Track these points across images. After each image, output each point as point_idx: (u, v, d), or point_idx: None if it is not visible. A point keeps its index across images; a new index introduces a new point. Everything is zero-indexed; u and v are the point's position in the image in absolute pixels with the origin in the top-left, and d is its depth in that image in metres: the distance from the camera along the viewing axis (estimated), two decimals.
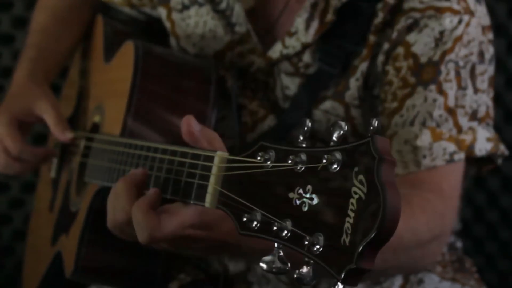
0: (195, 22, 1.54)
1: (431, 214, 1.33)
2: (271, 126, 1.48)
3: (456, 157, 1.38)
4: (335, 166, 0.79)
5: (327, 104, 1.44)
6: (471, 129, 1.40)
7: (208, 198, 0.98)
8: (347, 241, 0.76)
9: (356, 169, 0.77)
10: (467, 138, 1.39)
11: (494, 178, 2.01)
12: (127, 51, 1.45)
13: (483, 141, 1.40)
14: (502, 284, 2.01)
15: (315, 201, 0.81)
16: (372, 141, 0.76)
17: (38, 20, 1.71)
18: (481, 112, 1.42)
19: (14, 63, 2.02)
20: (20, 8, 2.08)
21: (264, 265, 0.87)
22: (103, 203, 1.38)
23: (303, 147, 0.85)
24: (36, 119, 1.56)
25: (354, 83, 1.42)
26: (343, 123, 0.82)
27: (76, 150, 1.57)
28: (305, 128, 0.86)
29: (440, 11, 1.39)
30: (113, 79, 1.52)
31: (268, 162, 0.88)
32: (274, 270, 0.87)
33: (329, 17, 1.42)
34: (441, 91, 1.38)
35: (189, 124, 1.07)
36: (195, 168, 1.03)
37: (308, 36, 1.44)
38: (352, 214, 0.76)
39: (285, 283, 1.52)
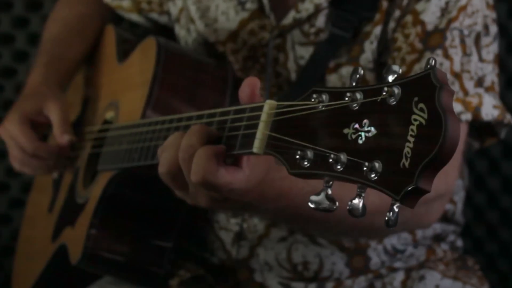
0: (206, 6, 1.57)
1: None
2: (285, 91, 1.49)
3: (463, 117, 1.41)
4: (393, 99, 0.82)
5: (343, 71, 1.47)
6: (477, 94, 1.43)
7: (257, 143, 0.99)
8: (406, 164, 0.78)
9: (416, 98, 0.80)
10: (473, 100, 1.42)
11: (494, 178, 2.03)
12: (149, 45, 1.48)
13: (490, 107, 1.44)
14: (503, 284, 2.02)
15: (373, 133, 0.83)
16: (433, 72, 0.80)
17: (50, 31, 1.76)
18: (487, 81, 1.46)
19: (14, 63, 2.06)
20: (20, 8, 2.10)
21: (312, 205, 0.89)
22: (116, 190, 1.40)
23: (358, 86, 0.88)
24: (45, 119, 1.59)
25: (368, 46, 1.46)
26: (396, 67, 0.84)
27: (84, 148, 1.59)
28: (357, 76, 0.89)
29: None
30: (130, 74, 1.55)
31: (321, 105, 0.90)
32: (321, 208, 0.88)
33: None
34: (446, 56, 1.42)
35: (254, 86, 1.06)
36: (240, 121, 1.04)
37: None
38: (412, 139, 0.79)
39: (287, 270, 1.53)
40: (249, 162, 1.07)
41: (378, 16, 1.45)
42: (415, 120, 0.79)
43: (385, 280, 1.54)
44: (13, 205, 2.13)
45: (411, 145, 0.79)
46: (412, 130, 0.79)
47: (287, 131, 0.94)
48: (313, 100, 0.91)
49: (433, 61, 0.81)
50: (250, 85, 1.05)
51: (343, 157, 0.86)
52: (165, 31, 1.68)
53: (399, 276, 1.55)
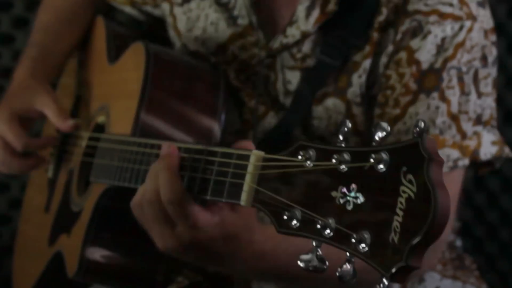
0: (196, 16, 1.54)
1: None
2: (272, 123, 1.48)
3: (460, 163, 1.38)
4: (381, 166, 0.80)
5: (329, 102, 1.44)
6: (476, 134, 1.40)
7: (244, 196, 0.97)
8: (395, 239, 0.77)
9: (404, 168, 0.78)
10: (471, 143, 1.39)
11: (494, 178, 2.02)
12: (137, 51, 1.45)
13: (488, 145, 1.41)
14: (502, 284, 2.01)
15: (361, 200, 0.82)
16: (421, 141, 0.77)
17: (41, 19, 1.72)
18: (486, 115, 1.43)
19: (14, 63, 2.02)
20: (20, 8, 2.08)
21: (301, 264, 0.87)
22: (109, 203, 1.38)
23: (346, 146, 0.86)
24: (37, 114, 1.56)
25: (356, 79, 1.43)
26: (385, 124, 0.82)
27: (77, 149, 1.57)
28: (345, 129, 0.87)
29: (443, 17, 1.39)
30: (120, 80, 1.52)
31: (308, 162, 0.89)
32: (311, 268, 0.87)
33: (331, 7, 1.43)
34: (443, 98, 1.38)
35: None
36: (228, 166, 1.03)
37: (308, 25, 1.44)
38: (401, 213, 0.77)
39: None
40: (222, 211, 1.08)
41: (368, 49, 1.41)
42: (404, 192, 0.77)
43: None
44: (13, 205, 2.12)
45: (400, 219, 0.77)
46: (401, 203, 0.77)
47: (274, 186, 0.93)
48: (300, 157, 0.89)
49: (422, 124, 0.79)
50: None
51: (332, 223, 0.84)
52: (161, 22, 1.65)
53: None
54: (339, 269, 0.83)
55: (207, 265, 1.37)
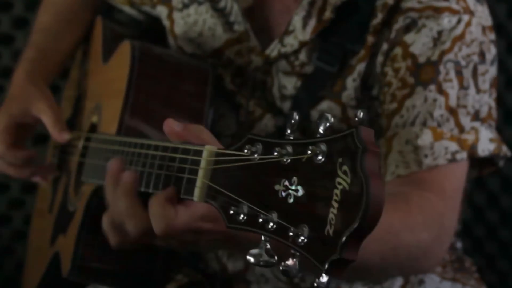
0: (194, 20, 1.54)
1: (429, 213, 1.31)
2: (269, 125, 1.48)
3: (458, 156, 1.36)
4: (320, 157, 0.79)
5: (324, 105, 1.43)
6: (474, 129, 1.39)
7: (197, 192, 0.98)
8: (330, 231, 0.75)
9: (340, 159, 0.76)
10: (469, 138, 1.38)
11: (494, 178, 2.01)
12: (124, 50, 1.45)
13: (486, 142, 1.39)
14: (502, 284, 2.01)
15: (300, 193, 0.81)
16: (356, 132, 0.76)
17: (40, 20, 1.72)
18: (484, 112, 1.41)
19: (14, 63, 2.02)
20: (20, 8, 2.09)
21: (251, 258, 0.87)
22: (99, 202, 1.38)
23: (289, 139, 0.85)
24: (35, 121, 1.57)
25: (351, 83, 1.42)
26: (328, 115, 0.81)
27: (74, 150, 1.57)
28: (292, 121, 0.86)
29: (438, 11, 1.38)
30: (110, 79, 1.52)
31: (256, 155, 0.88)
32: (261, 263, 0.86)
33: (327, 15, 1.42)
34: (441, 91, 1.37)
35: (170, 127, 1.07)
36: (185, 163, 1.03)
37: (306, 34, 1.43)
38: (336, 205, 0.76)
39: (284, 282, 1.51)
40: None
41: (363, 52, 1.41)
42: (339, 183, 0.76)
43: (384, 286, 1.52)
44: (13, 205, 2.13)
45: (335, 211, 0.76)
46: (336, 195, 0.76)
47: (224, 181, 0.93)
48: (246, 150, 0.89)
49: (360, 114, 0.77)
50: (166, 126, 1.07)
51: (274, 217, 0.83)
52: (159, 22, 1.64)
53: (398, 282, 1.52)
54: (282, 264, 0.82)
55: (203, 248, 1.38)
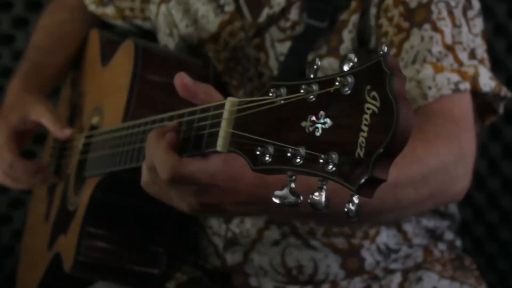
0: (186, 9, 1.57)
1: (446, 137, 1.33)
2: None
3: (462, 86, 1.38)
4: (347, 88, 0.81)
5: (324, 62, 1.45)
6: (473, 65, 1.40)
7: (220, 141, 0.98)
8: (361, 153, 0.77)
9: (368, 87, 0.78)
10: (469, 70, 1.39)
11: (494, 178, 2.02)
12: (127, 47, 1.48)
13: (487, 78, 1.41)
14: (502, 284, 2.01)
15: (328, 124, 0.82)
16: (383, 59, 0.78)
17: (33, 40, 1.77)
18: (479, 54, 1.43)
19: (14, 63, 2.07)
20: (20, 8, 2.12)
21: (276, 200, 0.88)
22: (103, 193, 1.39)
23: (315, 78, 0.86)
24: (33, 125, 1.59)
25: (347, 35, 1.44)
26: (352, 55, 0.83)
27: (73, 151, 1.59)
28: (315, 67, 0.88)
29: None
30: (112, 77, 1.55)
31: (279, 98, 0.89)
32: (286, 203, 0.87)
33: None
34: (436, 29, 1.39)
35: (182, 79, 1.09)
36: (205, 120, 1.04)
37: None
38: (366, 129, 0.77)
39: (282, 275, 1.52)
40: (220, 156, 1.06)
41: (354, 4, 1.43)
42: (368, 109, 0.78)
43: (382, 283, 1.52)
44: (13, 205, 2.13)
45: (365, 134, 0.77)
46: (366, 120, 0.78)
47: (248, 127, 0.93)
48: (271, 94, 0.90)
49: (385, 48, 0.80)
50: (178, 79, 1.08)
51: (302, 150, 0.84)
52: (152, 35, 1.68)
53: (396, 278, 1.53)
54: (310, 196, 0.84)
55: (224, 213, 1.33)
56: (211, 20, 1.54)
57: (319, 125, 0.83)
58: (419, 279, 1.52)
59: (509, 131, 1.99)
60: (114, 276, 1.47)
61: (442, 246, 1.59)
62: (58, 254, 1.53)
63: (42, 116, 1.56)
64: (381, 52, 0.80)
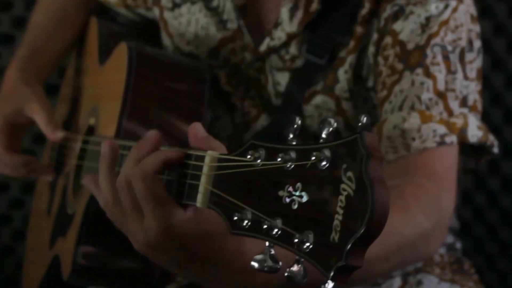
0: (187, 20, 1.54)
1: (425, 200, 1.30)
2: (265, 125, 1.48)
3: (447, 139, 1.35)
4: (324, 163, 0.79)
5: (318, 99, 1.43)
6: (463, 114, 1.38)
7: (200, 197, 0.97)
8: (336, 238, 0.75)
9: (344, 165, 0.76)
10: (458, 121, 1.36)
11: (494, 178, 2.01)
12: (121, 52, 1.45)
13: (475, 128, 1.38)
14: (502, 284, 2.01)
15: (305, 199, 0.80)
16: (360, 137, 0.76)
17: (33, 20, 1.72)
18: (470, 101, 1.40)
19: None
20: (20, 8, 2.08)
21: (255, 264, 0.86)
22: (99, 205, 1.38)
23: (293, 144, 0.84)
24: (27, 120, 1.57)
25: (343, 75, 1.42)
26: (332, 120, 0.81)
27: (72, 153, 1.57)
28: (295, 126, 0.86)
29: None
30: (107, 81, 1.52)
31: (258, 161, 0.87)
32: (265, 268, 0.86)
33: (314, 6, 1.42)
34: (428, 74, 1.36)
35: (195, 130, 1.04)
36: (187, 168, 1.02)
37: (293, 26, 1.43)
38: (341, 211, 0.76)
39: None
40: (196, 209, 1.03)
41: (352, 43, 1.41)
42: (344, 190, 0.76)
43: (383, 287, 1.51)
44: (13, 205, 2.12)
45: (340, 217, 0.76)
46: (341, 201, 0.76)
47: (228, 187, 0.92)
48: (249, 156, 0.88)
49: (364, 118, 0.77)
50: (191, 130, 1.03)
51: (279, 223, 0.83)
52: (156, 24, 1.64)
53: (396, 283, 1.52)
54: (287, 269, 0.82)
55: (188, 272, 1.23)
56: (211, 34, 1.51)
57: (295, 198, 0.82)
58: (419, 283, 1.51)
59: (509, 131, 1.97)
60: (114, 282, 1.47)
61: (441, 249, 1.58)
62: (57, 257, 1.52)
63: (36, 114, 1.54)
64: (360, 124, 0.78)
